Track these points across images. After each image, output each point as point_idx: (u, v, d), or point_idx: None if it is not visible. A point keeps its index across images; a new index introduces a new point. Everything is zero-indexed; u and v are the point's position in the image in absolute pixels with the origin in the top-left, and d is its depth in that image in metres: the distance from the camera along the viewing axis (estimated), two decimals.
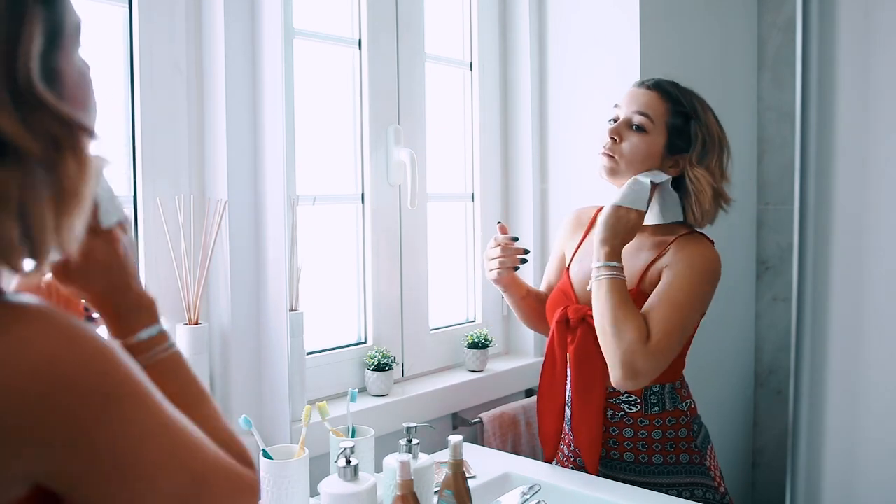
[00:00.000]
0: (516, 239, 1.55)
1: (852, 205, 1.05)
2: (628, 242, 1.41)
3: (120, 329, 0.74)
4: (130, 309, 0.74)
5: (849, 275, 1.06)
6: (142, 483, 0.59)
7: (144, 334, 0.74)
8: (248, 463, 0.71)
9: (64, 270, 0.70)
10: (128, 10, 1.41)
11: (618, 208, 1.41)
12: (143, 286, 0.77)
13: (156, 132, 1.43)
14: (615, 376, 1.36)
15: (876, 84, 1.03)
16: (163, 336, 0.75)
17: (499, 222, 1.60)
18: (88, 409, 0.55)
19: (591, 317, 1.43)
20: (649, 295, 1.40)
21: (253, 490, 0.69)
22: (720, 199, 1.46)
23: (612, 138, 1.46)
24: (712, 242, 1.48)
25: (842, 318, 1.06)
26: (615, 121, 1.48)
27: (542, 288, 1.69)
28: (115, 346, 0.59)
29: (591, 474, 1.52)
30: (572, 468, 1.56)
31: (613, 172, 1.47)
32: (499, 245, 1.54)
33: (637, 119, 1.45)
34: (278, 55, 1.45)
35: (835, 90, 1.03)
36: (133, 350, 0.72)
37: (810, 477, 1.07)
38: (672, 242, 1.45)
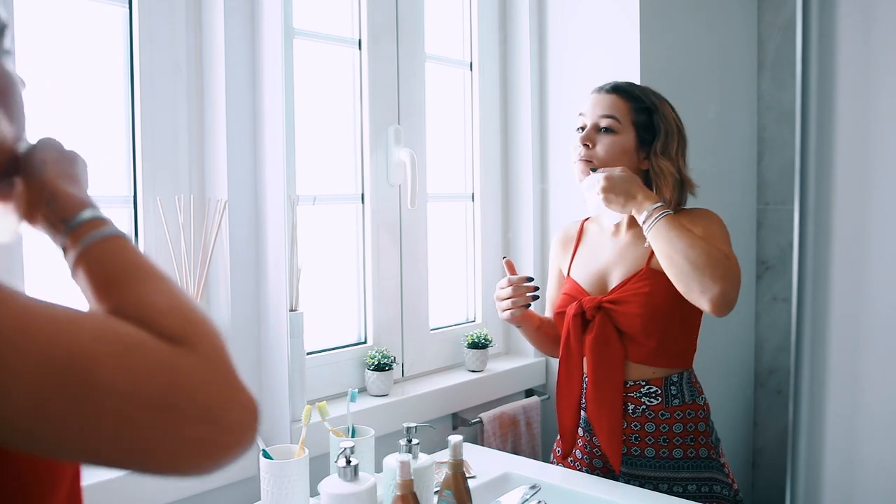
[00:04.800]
0: (531, 279, 1.55)
1: (852, 205, 1.05)
2: (635, 180, 1.44)
3: (58, 216, 0.65)
4: (65, 195, 0.65)
5: (849, 275, 1.06)
6: None
7: (83, 215, 0.64)
8: (190, 337, 0.54)
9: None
10: (128, 10, 1.41)
11: (606, 176, 1.43)
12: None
13: (156, 132, 1.43)
14: (713, 292, 1.34)
15: (876, 84, 1.03)
16: (101, 221, 0.64)
17: (504, 258, 1.60)
18: None
19: (607, 303, 1.47)
20: (659, 272, 1.44)
21: (177, 370, 0.52)
22: (685, 185, 1.52)
23: (584, 145, 1.50)
24: None
25: (842, 318, 1.06)
26: (582, 129, 1.52)
27: (548, 313, 1.69)
28: None
29: (606, 473, 1.53)
30: (587, 470, 1.56)
31: None
32: (511, 285, 1.54)
33: (604, 122, 1.49)
34: (278, 55, 1.45)
35: (835, 90, 1.03)
36: (72, 238, 0.63)
37: (810, 477, 1.07)
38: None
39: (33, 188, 0.66)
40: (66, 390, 0.49)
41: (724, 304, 1.36)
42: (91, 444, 0.50)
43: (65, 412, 0.49)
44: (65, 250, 0.64)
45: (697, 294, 1.36)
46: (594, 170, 1.47)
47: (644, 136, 1.50)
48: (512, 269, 1.57)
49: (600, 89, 1.54)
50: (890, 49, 1.01)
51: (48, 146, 0.69)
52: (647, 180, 1.52)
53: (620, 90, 1.52)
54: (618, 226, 1.56)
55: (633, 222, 1.53)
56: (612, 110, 1.49)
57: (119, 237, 0.63)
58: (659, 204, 1.40)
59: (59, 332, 0.50)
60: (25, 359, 0.48)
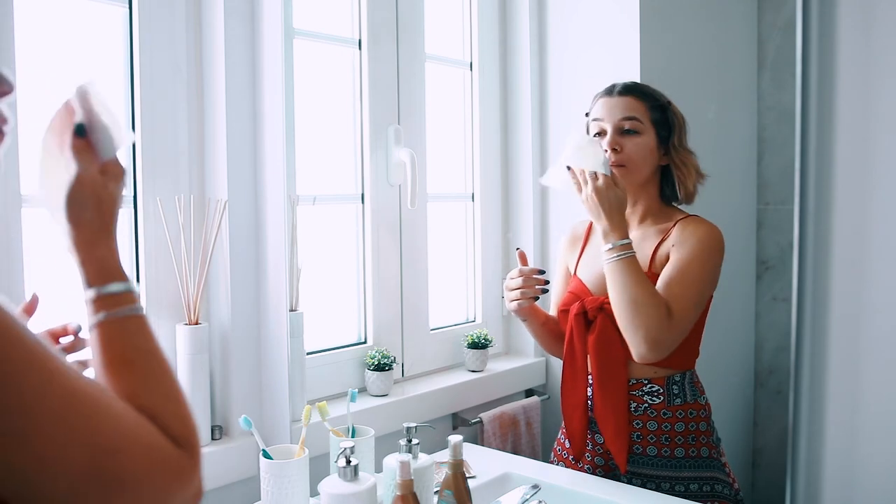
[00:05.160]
0: (542, 272, 1.56)
1: (852, 205, 1.05)
2: (624, 207, 1.43)
3: (94, 276, 0.71)
4: (107, 257, 0.72)
5: (849, 275, 1.06)
6: (32, 457, 0.54)
7: (115, 287, 0.71)
8: (187, 444, 0.65)
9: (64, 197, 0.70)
10: (128, 10, 1.41)
11: (609, 184, 1.41)
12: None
13: (156, 132, 1.43)
14: (639, 351, 1.40)
15: (876, 84, 1.03)
16: (131, 295, 0.72)
17: (517, 249, 1.61)
18: None
19: (609, 304, 1.46)
20: (659, 276, 1.45)
21: (180, 472, 0.63)
22: (699, 175, 1.54)
23: (613, 149, 1.48)
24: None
25: (842, 318, 1.06)
26: (600, 134, 1.52)
27: (552, 310, 1.69)
28: (6, 314, 0.55)
29: (608, 472, 1.53)
30: (588, 468, 1.56)
31: (628, 182, 1.50)
32: (522, 276, 1.54)
33: (628, 124, 1.49)
34: (278, 55, 1.45)
35: (835, 90, 1.03)
36: (100, 303, 0.70)
37: (810, 477, 1.07)
38: (675, 225, 1.50)
39: (69, 232, 0.71)
40: (98, 478, 0.57)
41: (643, 359, 1.42)
42: None
43: (91, 496, 0.57)
44: (85, 302, 0.71)
45: (627, 339, 1.42)
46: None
47: (661, 133, 1.51)
48: (524, 261, 1.58)
49: (611, 92, 1.53)
50: (890, 49, 1.01)
51: (87, 190, 0.71)
52: (665, 176, 1.53)
53: (635, 91, 1.52)
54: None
55: (634, 224, 1.54)
56: (632, 112, 1.49)
57: (139, 316, 0.71)
58: (627, 241, 1.41)
59: (100, 424, 0.58)
60: (71, 444, 0.56)
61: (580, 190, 1.44)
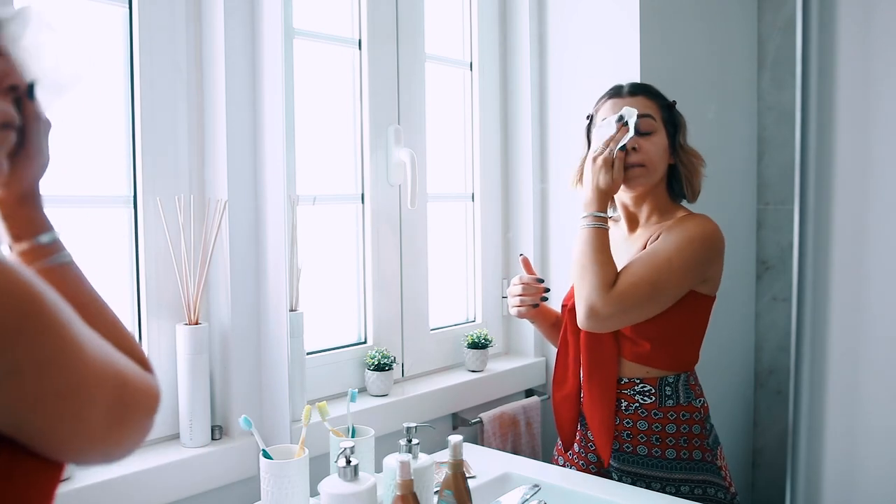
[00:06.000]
0: (541, 280, 1.61)
1: (852, 205, 1.05)
2: (607, 185, 1.45)
3: (24, 230, 0.74)
4: (34, 210, 0.75)
5: (849, 275, 1.06)
6: (78, 400, 0.61)
7: (45, 238, 0.74)
8: (151, 369, 0.74)
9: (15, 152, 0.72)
10: (128, 10, 1.41)
11: (609, 160, 1.46)
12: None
13: (156, 132, 1.43)
14: (579, 317, 1.44)
15: (876, 84, 1.03)
16: (60, 243, 0.76)
17: (521, 255, 1.66)
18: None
19: None
20: None
21: (158, 393, 0.72)
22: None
23: (633, 149, 1.46)
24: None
25: (842, 318, 1.06)
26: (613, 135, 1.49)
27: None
28: (36, 279, 0.58)
29: (601, 468, 1.53)
30: (583, 464, 1.57)
31: (647, 182, 1.49)
32: (522, 283, 1.61)
33: (645, 124, 1.47)
34: (278, 55, 1.45)
35: (835, 90, 1.03)
36: (35, 254, 0.73)
37: (810, 477, 1.07)
38: (672, 221, 1.50)
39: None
40: (118, 405, 0.65)
41: (583, 326, 1.45)
42: (112, 434, 0.66)
43: (114, 418, 0.65)
44: (10, 247, 0.75)
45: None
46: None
47: (670, 132, 1.51)
48: (527, 267, 1.62)
49: (620, 93, 1.51)
50: (890, 49, 1.01)
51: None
52: (673, 175, 1.53)
53: (645, 91, 1.52)
54: (633, 225, 1.56)
55: (641, 221, 1.55)
56: (647, 110, 1.48)
57: (75, 264, 0.76)
58: (602, 215, 1.45)
59: (115, 362, 0.66)
60: (104, 375, 0.64)
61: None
